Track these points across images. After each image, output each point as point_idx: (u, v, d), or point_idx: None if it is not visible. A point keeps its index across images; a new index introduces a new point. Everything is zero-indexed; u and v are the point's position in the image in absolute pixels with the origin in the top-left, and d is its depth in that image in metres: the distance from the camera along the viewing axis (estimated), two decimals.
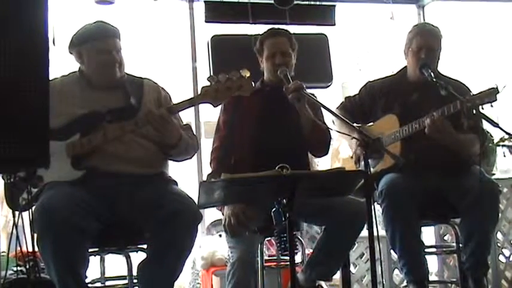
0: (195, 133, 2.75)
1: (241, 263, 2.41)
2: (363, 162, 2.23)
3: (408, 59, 2.96)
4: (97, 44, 2.47)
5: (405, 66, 3.04)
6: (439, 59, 2.92)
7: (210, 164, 2.77)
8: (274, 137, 2.69)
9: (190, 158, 2.66)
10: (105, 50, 2.47)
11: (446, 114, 2.62)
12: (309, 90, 2.65)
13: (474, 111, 2.55)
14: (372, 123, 3.06)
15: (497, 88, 2.50)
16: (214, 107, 2.39)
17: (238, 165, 2.66)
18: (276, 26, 2.92)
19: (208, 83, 2.35)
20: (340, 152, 3.17)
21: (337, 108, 3.11)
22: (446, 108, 2.62)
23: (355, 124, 2.96)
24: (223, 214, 2.57)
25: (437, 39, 2.90)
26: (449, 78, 2.94)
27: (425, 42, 2.87)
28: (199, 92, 2.36)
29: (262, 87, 2.80)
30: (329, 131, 2.76)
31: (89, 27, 2.52)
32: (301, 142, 2.73)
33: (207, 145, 2.93)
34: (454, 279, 3.24)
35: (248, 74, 2.32)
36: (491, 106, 2.55)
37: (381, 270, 2.90)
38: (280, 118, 2.75)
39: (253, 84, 2.42)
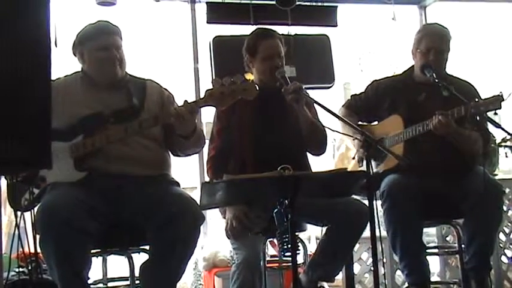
0: None
1: (247, 264, 2.41)
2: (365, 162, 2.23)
3: (416, 59, 2.92)
4: (96, 41, 2.49)
5: (412, 66, 3.01)
6: (446, 60, 2.89)
7: (207, 172, 2.77)
8: (273, 139, 2.68)
9: (198, 152, 2.71)
10: (104, 47, 2.48)
11: (450, 119, 2.61)
12: (310, 91, 2.66)
13: (478, 118, 2.54)
14: (376, 123, 3.06)
15: (502, 96, 2.48)
16: (218, 110, 2.38)
17: (239, 167, 2.66)
18: (265, 27, 2.90)
19: (211, 86, 2.34)
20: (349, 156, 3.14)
21: (342, 106, 3.11)
22: (451, 112, 2.61)
23: (359, 122, 2.97)
24: (225, 218, 2.57)
25: (446, 41, 2.86)
26: (458, 79, 2.92)
27: (434, 44, 2.83)
28: (203, 95, 2.34)
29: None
30: (325, 130, 2.75)
31: (89, 28, 2.54)
32: (300, 142, 2.73)
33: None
34: (456, 280, 3.23)
35: (252, 77, 2.31)
36: (495, 114, 2.54)
37: (383, 271, 2.89)
38: (278, 119, 2.74)
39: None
